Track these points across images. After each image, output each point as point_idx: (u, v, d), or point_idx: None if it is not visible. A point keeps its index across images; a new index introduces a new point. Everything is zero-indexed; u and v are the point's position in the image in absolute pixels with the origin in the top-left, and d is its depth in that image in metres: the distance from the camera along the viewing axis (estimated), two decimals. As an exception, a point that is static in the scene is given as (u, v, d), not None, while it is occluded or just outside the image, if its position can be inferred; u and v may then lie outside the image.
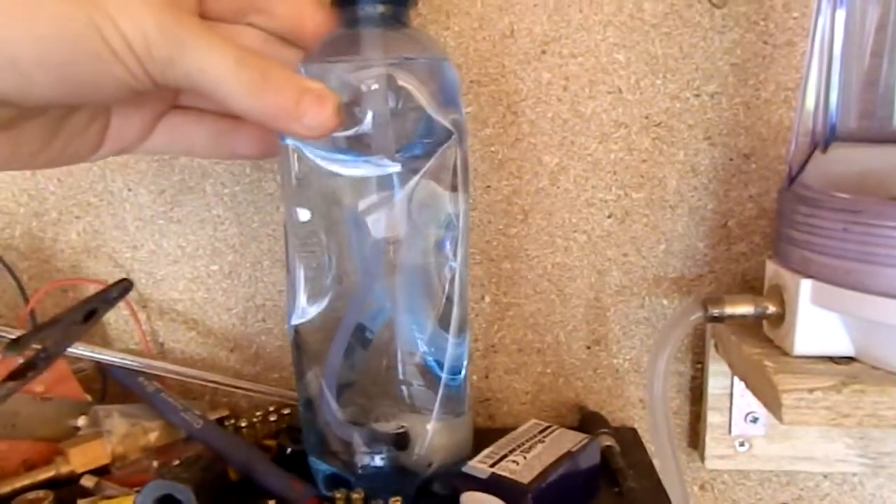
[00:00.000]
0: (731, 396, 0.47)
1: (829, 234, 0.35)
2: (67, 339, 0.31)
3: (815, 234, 0.36)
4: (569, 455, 0.38)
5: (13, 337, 0.44)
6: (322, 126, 0.28)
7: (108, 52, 0.23)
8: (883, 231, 0.33)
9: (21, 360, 0.30)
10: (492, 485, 0.35)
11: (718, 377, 0.47)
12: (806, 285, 0.36)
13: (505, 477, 0.35)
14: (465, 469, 0.36)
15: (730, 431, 0.48)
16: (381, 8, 0.35)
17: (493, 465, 0.36)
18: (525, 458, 0.37)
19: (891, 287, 0.33)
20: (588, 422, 0.47)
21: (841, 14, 0.37)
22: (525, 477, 0.35)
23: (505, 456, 0.37)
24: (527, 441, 0.39)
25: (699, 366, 0.49)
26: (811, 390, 0.34)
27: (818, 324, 0.37)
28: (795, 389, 0.34)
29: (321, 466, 0.39)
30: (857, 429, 0.46)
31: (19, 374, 0.30)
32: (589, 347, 0.50)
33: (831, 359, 0.37)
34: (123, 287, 0.34)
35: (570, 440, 0.39)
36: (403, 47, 0.36)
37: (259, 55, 0.27)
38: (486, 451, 0.38)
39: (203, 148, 0.37)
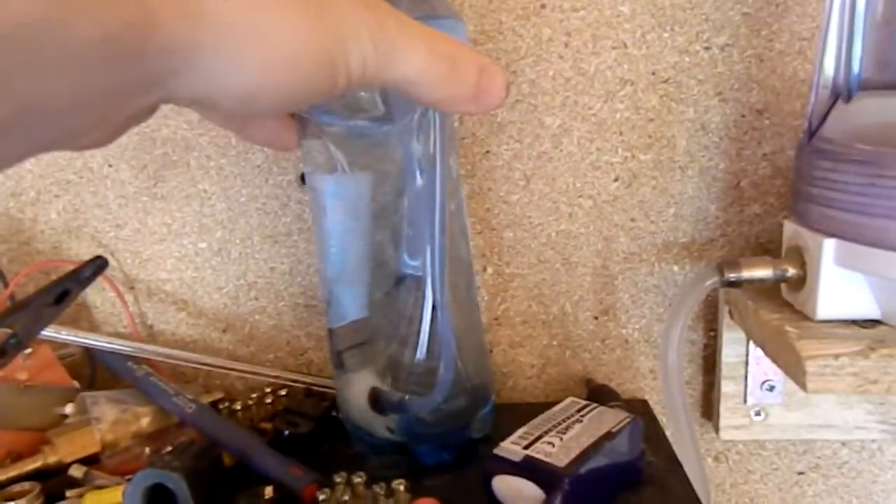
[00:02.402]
0: (746, 364, 0.45)
1: (852, 190, 0.33)
2: (39, 323, 0.29)
3: (838, 190, 0.34)
4: (609, 436, 0.35)
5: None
6: (496, 104, 0.27)
7: (332, 83, 0.22)
8: (913, 184, 0.31)
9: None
10: (525, 468, 0.33)
11: (733, 345, 0.45)
12: (829, 245, 0.34)
13: (539, 460, 0.33)
14: (497, 451, 0.34)
15: (745, 401, 0.46)
16: None
17: (527, 447, 0.34)
18: (561, 439, 0.34)
19: (922, 244, 0.31)
20: (597, 395, 0.45)
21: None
22: (561, 460, 0.32)
23: (540, 437, 0.35)
24: (564, 420, 0.36)
25: (712, 333, 0.47)
26: (836, 356, 0.32)
27: (842, 285, 0.34)
28: (820, 356, 0.32)
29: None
30: (885, 395, 0.45)
31: (-11, 362, 0.28)
32: (597, 318, 0.48)
33: (856, 322, 0.35)
34: (97, 265, 0.32)
35: (610, 420, 0.37)
36: (418, 6, 0.34)
37: (443, 38, 0.25)
38: (520, 431, 0.35)
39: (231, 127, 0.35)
